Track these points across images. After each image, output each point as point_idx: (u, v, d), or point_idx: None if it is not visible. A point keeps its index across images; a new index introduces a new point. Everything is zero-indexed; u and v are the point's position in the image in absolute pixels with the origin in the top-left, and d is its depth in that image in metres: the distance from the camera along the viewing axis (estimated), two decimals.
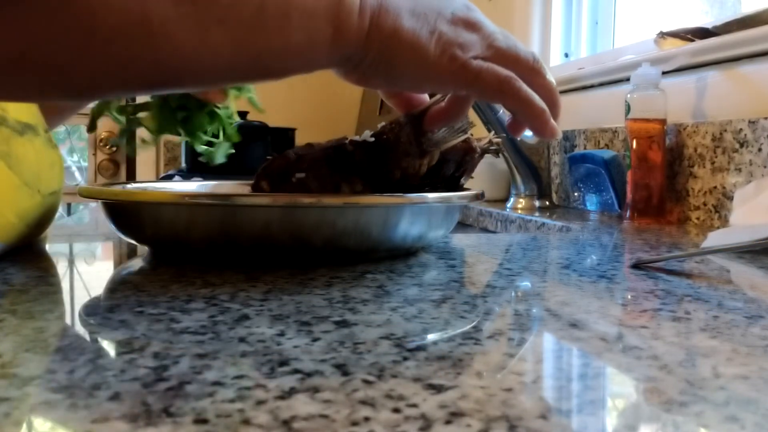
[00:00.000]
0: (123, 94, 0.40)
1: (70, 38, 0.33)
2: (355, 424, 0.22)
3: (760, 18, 0.92)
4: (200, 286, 0.43)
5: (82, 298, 0.42)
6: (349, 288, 0.43)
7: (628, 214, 0.96)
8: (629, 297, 0.44)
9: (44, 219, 0.57)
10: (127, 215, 0.54)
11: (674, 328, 0.34)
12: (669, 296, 0.42)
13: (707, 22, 1.07)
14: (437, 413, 0.22)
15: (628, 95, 0.97)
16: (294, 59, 0.40)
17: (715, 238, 0.65)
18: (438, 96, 0.53)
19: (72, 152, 2.56)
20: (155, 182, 1.00)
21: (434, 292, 0.42)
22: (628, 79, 1.00)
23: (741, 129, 0.89)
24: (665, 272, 0.51)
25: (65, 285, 0.47)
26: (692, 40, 1.03)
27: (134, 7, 0.33)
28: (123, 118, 0.61)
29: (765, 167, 0.85)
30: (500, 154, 0.77)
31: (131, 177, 2.32)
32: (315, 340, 0.31)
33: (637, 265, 0.53)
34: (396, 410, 0.23)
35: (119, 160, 2.33)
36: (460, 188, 0.58)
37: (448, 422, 0.22)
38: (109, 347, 0.30)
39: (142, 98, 0.57)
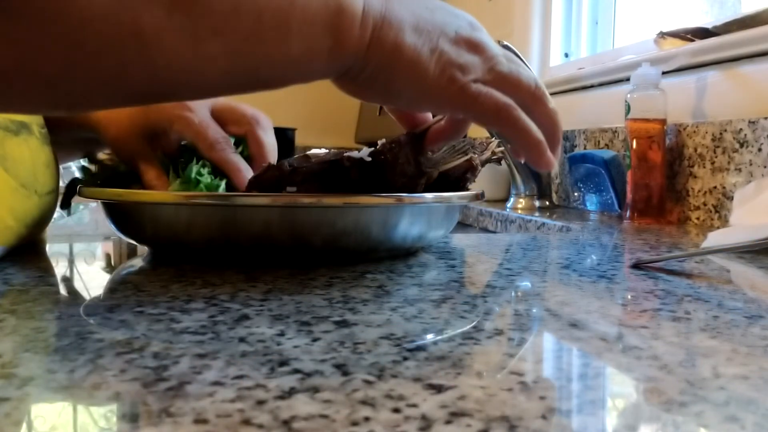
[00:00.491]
0: (117, 105, 0.39)
1: (62, 50, 0.32)
2: (355, 424, 0.22)
3: (760, 18, 0.92)
4: (200, 286, 0.43)
5: (82, 298, 0.42)
6: (349, 288, 0.43)
7: (628, 214, 0.96)
8: (629, 297, 0.44)
9: (42, 219, 0.57)
10: (127, 215, 0.54)
11: (674, 328, 0.34)
12: (669, 296, 0.42)
13: (707, 22, 1.07)
14: (437, 413, 0.22)
15: (628, 95, 0.97)
16: (292, 70, 0.39)
17: (715, 238, 0.65)
18: (440, 116, 0.51)
19: None
20: None
21: (434, 292, 0.42)
22: (628, 79, 1.00)
23: (741, 129, 0.89)
24: (665, 272, 0.51)
25: (65, 285, 0.47)
26: (692, 40, 1.03)
27: (127, 18, 0.32)
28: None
29: (765, 167, 0.85)
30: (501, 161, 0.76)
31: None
32: (315, 340, 0.31)
33: (637, 265, 0.53)
34: (396, 410, 0.23)
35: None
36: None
37: (448, 422, 0.22)
38: (109, 347, 0.30)
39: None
